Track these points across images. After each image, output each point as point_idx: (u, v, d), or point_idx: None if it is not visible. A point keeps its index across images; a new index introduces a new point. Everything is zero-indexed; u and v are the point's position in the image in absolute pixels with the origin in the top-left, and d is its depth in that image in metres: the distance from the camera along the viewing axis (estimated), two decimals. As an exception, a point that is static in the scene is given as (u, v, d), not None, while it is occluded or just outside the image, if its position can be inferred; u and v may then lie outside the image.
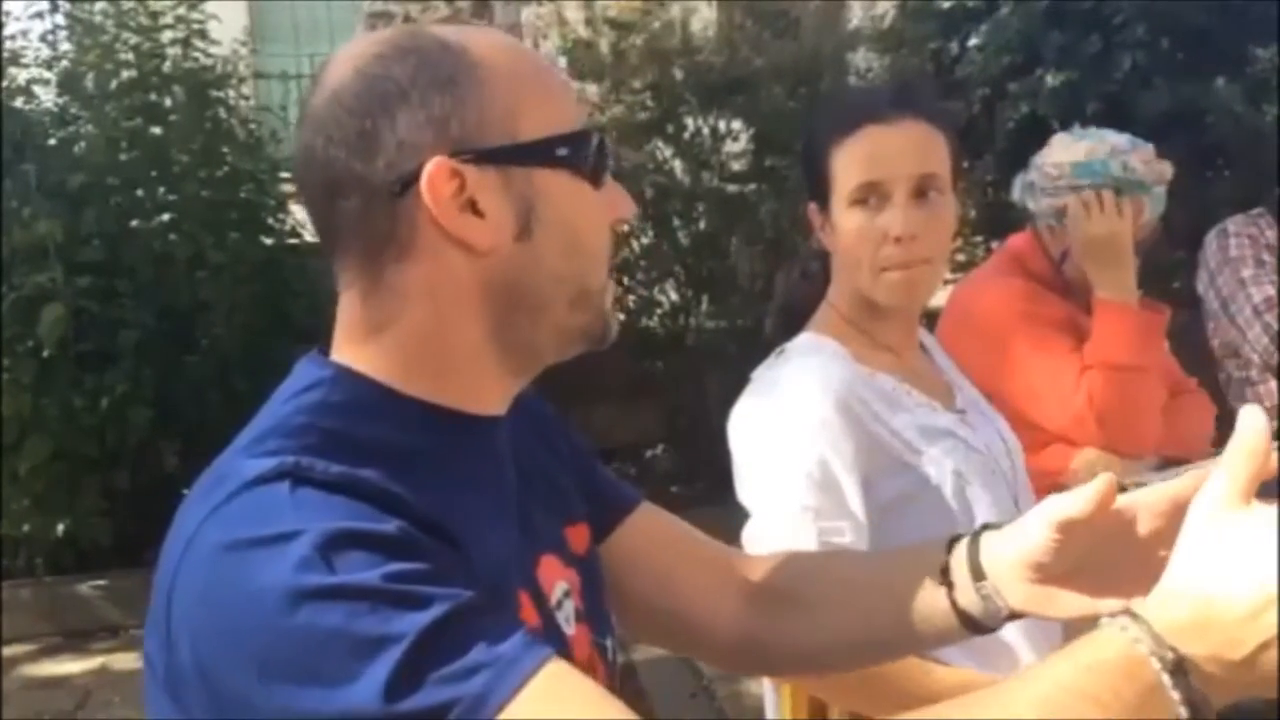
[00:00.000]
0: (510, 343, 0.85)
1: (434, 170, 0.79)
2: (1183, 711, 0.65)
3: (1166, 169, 2.05)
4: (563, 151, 0.84)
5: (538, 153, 0.83)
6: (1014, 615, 0.92)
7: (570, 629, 0.90)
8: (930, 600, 0.95)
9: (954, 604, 0.94)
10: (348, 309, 0.85)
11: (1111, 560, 0.86)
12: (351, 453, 0.77)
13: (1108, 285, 1.98)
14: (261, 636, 0.69)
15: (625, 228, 0.94)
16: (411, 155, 0.80)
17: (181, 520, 0.78)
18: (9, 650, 3.93)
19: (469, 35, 0.84)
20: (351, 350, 0.85)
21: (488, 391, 0.87)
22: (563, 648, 0.86)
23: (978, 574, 0.92)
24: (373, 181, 0.80)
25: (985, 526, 0.95)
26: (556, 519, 0.95)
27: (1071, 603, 0.88)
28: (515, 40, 0.89)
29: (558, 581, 0.90)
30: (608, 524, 1.03)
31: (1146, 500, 0.88)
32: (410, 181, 0.80)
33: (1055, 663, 0.69)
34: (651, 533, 1.06)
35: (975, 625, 0.94)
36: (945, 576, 0.94)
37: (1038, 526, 0.88)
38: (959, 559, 0.94)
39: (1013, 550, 0.90)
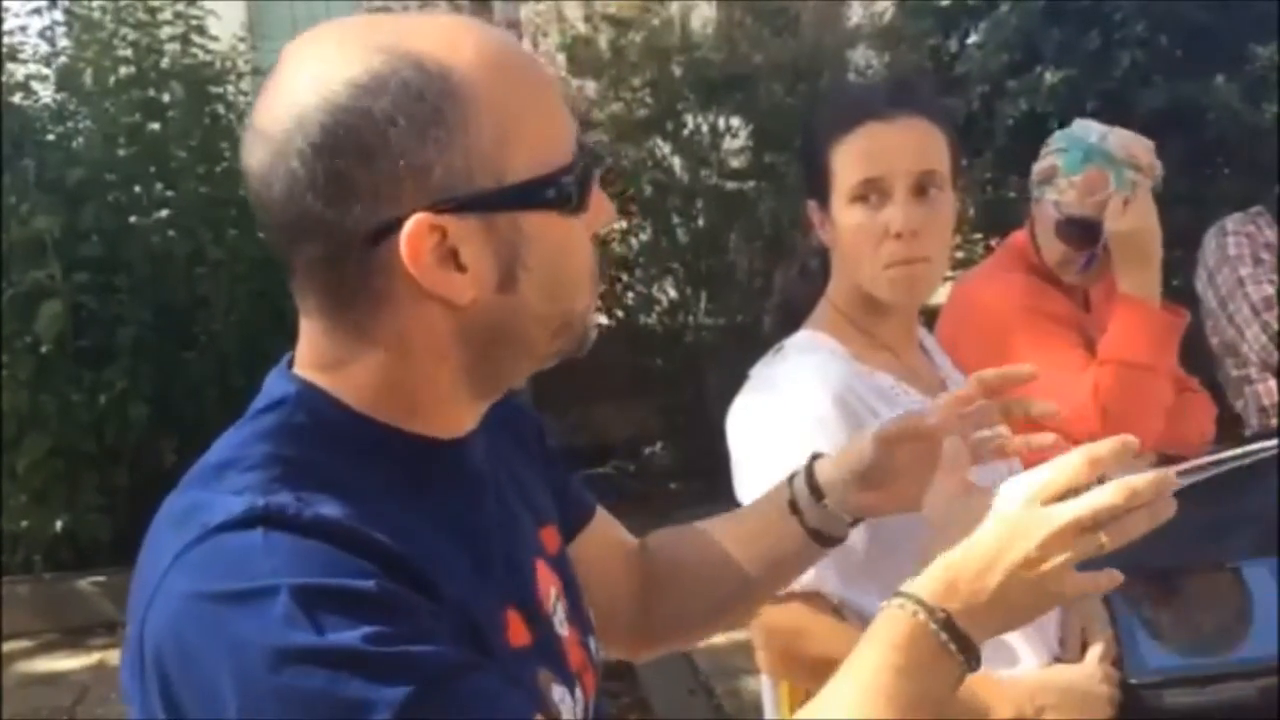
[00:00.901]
0: (484, 375, 0.81)
1: (414, 227, 0.72)
2: (954, 648, 0.80)
3: (1146, 155, 2.07)
4: (550, 192, 0.77)
5: (525, 196, 0.76)
6: (855, 522, 1.08)
7: (565, 631, 0.89)
8: (781, 531, 1.07)
9: (804, 526, 1.06)
10: (309, 335, 0.80)
11: (914, 472, 1.01)
12: (318, 484, 0.74)
13: (1133, 282, 1.97)
14: (242, 694, 0.67)
15: (609, 229, 0.90)
16: (389, 205, 0.73)
17: (150, 552, 0.75)
18: (7, 646, 3.93)
19: (454, 46, 0.75)
20: (315, 372, 0.80)
21: (458, 418, 0.83)
22: (558, 653, 0.86)
23: (818, 495, 1.05)
24: (344, 229, 0.73)
25: (814, 456, 1.08)
26: (533, 523, 0.93)
27: (889, 505, 1.05)
28: (505, 45, 0.79)
29: (550, 586, 0.89)
30: (574, 528, 1.04)
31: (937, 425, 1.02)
32: (385, 232, 0.73)
33: (865, 649, 0.81)
34: (600, 540, 1.08)
35: (824, 539, 1.07)
36: (794, 507, 1.06)
37: (869, 446, 1.03)
38: (799, 489, 1.06)
39: (845, 469, 1.05)
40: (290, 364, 0.83)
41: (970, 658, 0.80)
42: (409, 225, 0.73)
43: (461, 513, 0.83)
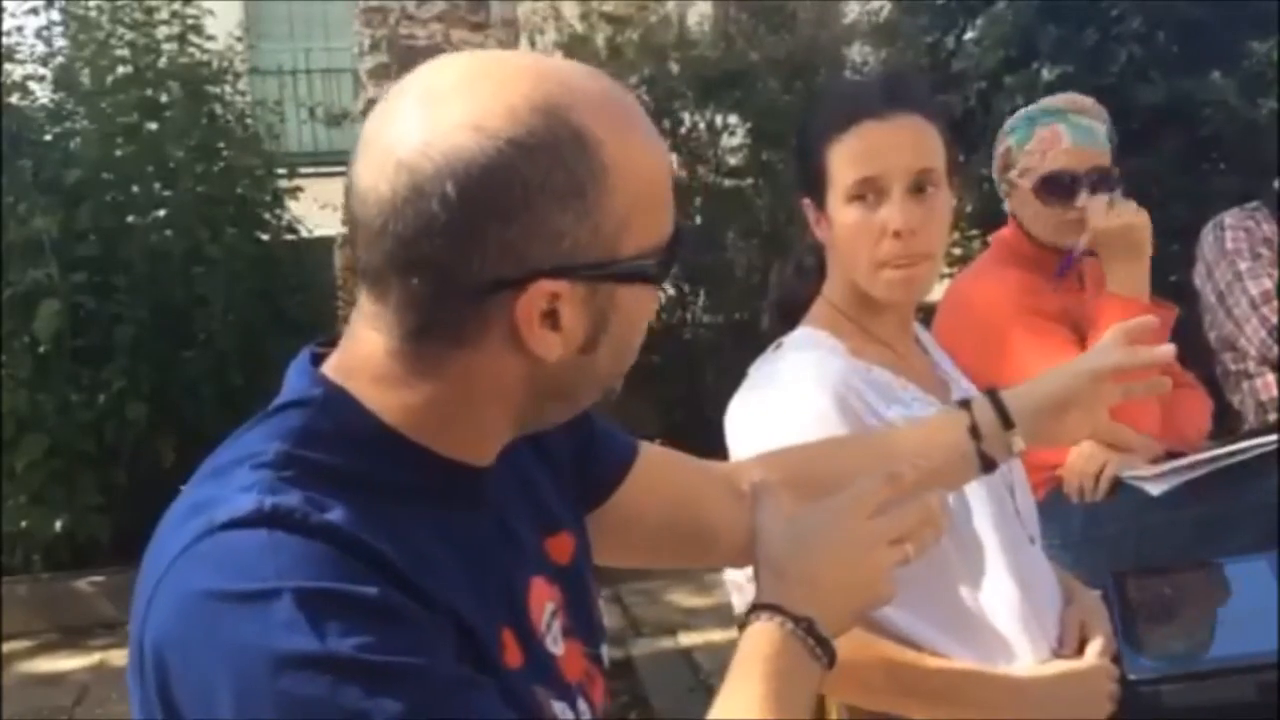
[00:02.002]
0: (532, 420, 0.84)
1: (535, 290, 0.74)
2: (818, 650, 0.86)
3: (1085, 100, 2.16)
4: (651, 270, 0.80)
5: (631, 271, 0.79)
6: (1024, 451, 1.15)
7: (559, 649, 0.88)
8: (951, 452, 1.13)
9: (979, 451, 1.13)
10: (365, 346, 0.79)
11: (1096, 407, 1.16)
12: (329, 488, 0.74)
13: (1120, 279, 1.99)
14: (238, 696, 0.68)
15: None
16: (513, 264, 0.73)
17: (157, 546, 0.76)
18: (7, 646, 3.93)
19: (606, 116, 0.76)
20: (356, 380, 0.80)
21: (488, 449, 0.84)
22: (551, 674, 0.86)
23: (1008, 423, 1.13)
24: (458, 277, 0.73)
25: (990, 391, 1.15)
26: (536, 535, 0.92)
27: (1074, 433, 1.17)
28: (648, 124, 0.81)
29: (546, 603, 0.89)
30: (615, 479, 1.04)
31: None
32: (500, 288, 0.74)
33: (740, 666, 0.85)
34: (659, 467, 1.08)
35: (989, 465, 1.15)
36: (975, 432, 1.13)
37: (1084, 378, 1.14)
38: (984, 416, 1.13)
39: (1046, 399, 1.14)
40: (315, 360, 0.83)
41: (830, 658, 0.87)
42: (532, 289, 0.75)
43: (469, 533, 0.83)
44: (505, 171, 0.72)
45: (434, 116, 0.73)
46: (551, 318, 0.76)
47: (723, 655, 1.04)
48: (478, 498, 0.84)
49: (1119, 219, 1.98)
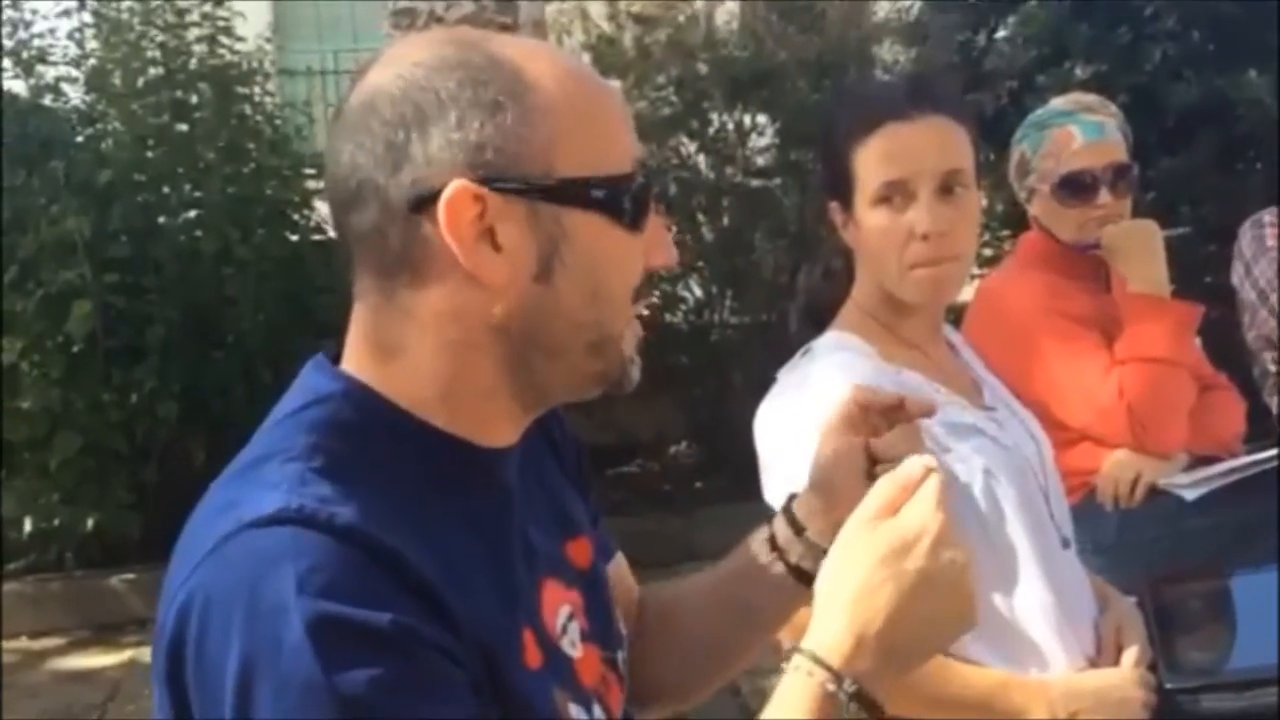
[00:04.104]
0: (524, 381, 0.82)
1: (454, 193, 0.75)
2: (863, 715, 0.78)
3: (1092, 98, 2.13)
4: (599, 194, 0.79)
5: (571, 192, 0.78)
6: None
7: (576, 652, 0.87)
8: (765, 572, 1.01)
9: (785, 563, 1.00)
10: (361, 322, 0.82)
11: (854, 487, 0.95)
12: (356, 480, 0.75)
13: (1140, 279, 1.98)
14: (241, 708, 0.68)
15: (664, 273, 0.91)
16: (436, 174, 0.76)
17: (186, 544, 0.76)
18: (40, 644, 3.97)
19: (527, 53, 0.79)
20: (364, 366, 0.82)
21: (500, 425, 0.84)
22: (568, 676, 0.85)
23: (798, 528, 1.00)
24: (391, 195, 0.76)
25: (793, 495, 1.04)
26: (556, 538, 0.92)
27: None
28: (580, 65, 0.83)
29: (561, 606, 0.88)
30: None
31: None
32: (429, 200, 0.76)
33: (776, 715, 0.78)
34: (622, 578, 1.05)
35: (808, 578, 0.98)
36: (774, 544, 1.01)
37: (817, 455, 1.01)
38: (779, 524, 1.02)
39: (810, 493, 1.01)
40: (333, 360, 0.84)
41: (876, 715, 0.78)
42: (449, 189, 0.75)
43: (496, 527, 0.83)
44: (418, 89, 0.77)
45: (368, 77, 0.80)
46: (490, 236, 0.77)
47: (753, 657, 1.03)
48: (497, 482, 0.84)
49: (1122, 223, 2.00)
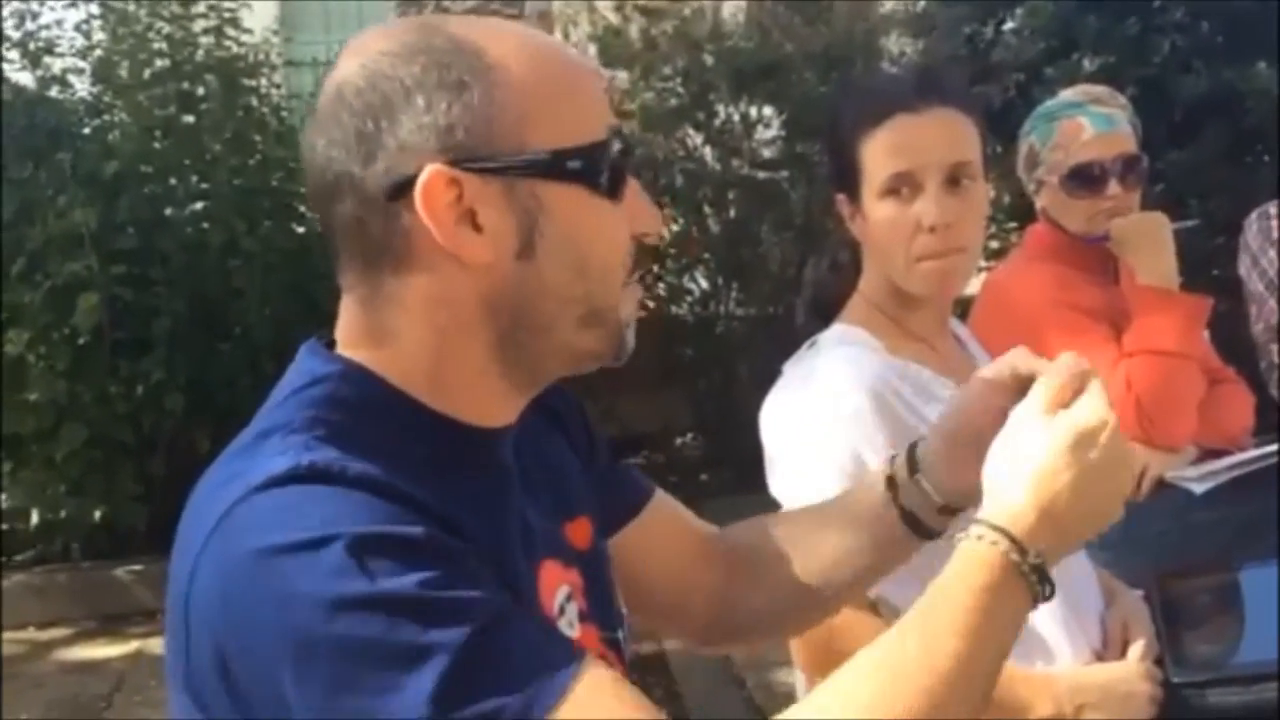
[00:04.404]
0: (515, 360, 0.82)
1: (430, 178, 0.75)
2: (1039, 588, 0.79)
3: (1101, 90, 2.12)
4: (574, 165, 0.78)
5: (546, 165, 0.78)
6: (946, 509, 0.99)
7: (574, 632, 0.87)
8: (877, 515, 1.01)
9: (899, 507, 1.00)
10: (349, 313, 0.83)
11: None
12: (359, 450, 0.75)
13: (1148, 272, 1.97)
14: (298, 644, 0.68)
15: (653, 240, 0.89)
16: (409, 161, 0.76)
17: (191, 522, 0.76)
18: (47, 634, 3.98)
19: (489, 32, 0.79)
20: (357, 351, 0.82)
21: (494, 406, 0.84)
22: None
23: (914, 468, 1.00)
24: (368, 186, 0.77)
25: (919, 439, 1.02)
26: (555, 519, 0.92)
27: (966, 479, 0.95)
28: (544, 39, 0.83)
29: (559, 586, 0.88)
30: (622, 516, 1.02)
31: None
32: (405, 188, 0.76)
33: (949, 589, 0.78)
34: (661, 527, 1.06)
35: (919, 526, 1.00)
36: (890, 483, 1.01)
37: (952, 408, 1.00)
38: (899, 463, 1.01)
39: (936, 436, 1.00)
40: (327, 346, 0.84)
41: (1049, 596, 0.80)
42: (425, 173, 0.75)
43: (493, 506, 0.84)
44: (383, 78, 0.77)
45: (335, 68, 0.81)
46: (470, 217, 0.77)
47: (756, 650, 1.02)
48: (494, 462, 0.85)
49: (1131, 215, 1.99)
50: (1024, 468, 0.81)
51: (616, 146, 0.81)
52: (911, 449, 1.01)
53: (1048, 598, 0.79)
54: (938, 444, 1.00)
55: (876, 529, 1.01)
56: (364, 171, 0.77)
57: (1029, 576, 0.78)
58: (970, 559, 0.78)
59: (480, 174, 0.76)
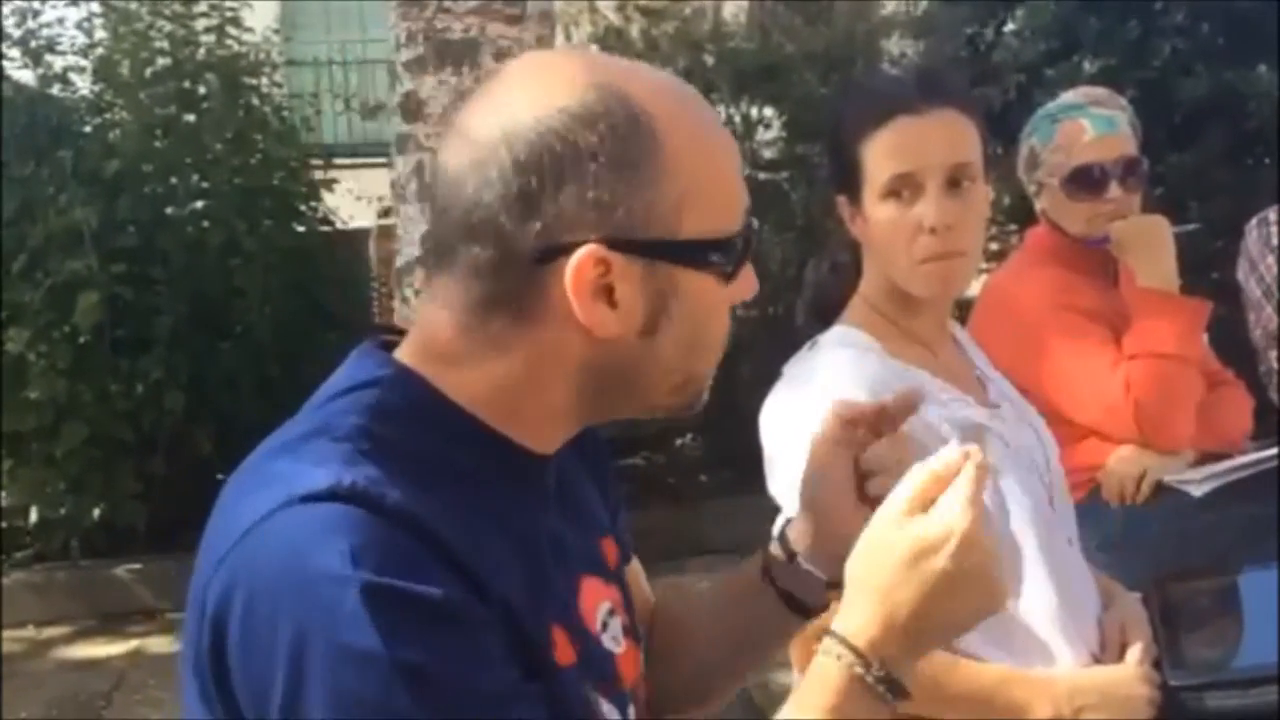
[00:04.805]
0: (596, 406, 0.84)
1: (585, 256, 0.75)
2: (888, 695, 0.79)
3: (1102, 92, 2.13)
4: (715, 257, 0.80)
5: (691, 254, 0.79)
6: (831, 585, 0.96)
7: (619, 647, 0.88)
8: (758, 600, 0.99)
9: (777, 590, 0.98)
10: (435, 328, 0.82)
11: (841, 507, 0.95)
12: (401, 464, 0.76)
13: (1148, 274, 1.97)
14: (294, 681, 0.69)
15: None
16: (567, 230, 0.76)
17: (227, 514, 0.77)
18: (46, 633, 3.98)
19: (665, 102, 0.79)
20: (421, 361, 0.82)
21: (554, 435, 0.85)
22: (609, 669, 0.86)
23: (789, 553, 0.98)
24: (517, 243, 0.76)
25: (787, 520, 1.01)
26: (593, 536, 0.93)
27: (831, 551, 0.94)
28: (709, 115, 0.84)
29: (601, 602, 0.89)
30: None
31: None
32: (556, 254, 0.76)
33: (804, 702, 0.79)
34: (634, 588, 1.04)
35: (798, 605, 0.99)
36: (766, 569, 0.99)
37: (814, 469, 0.97)
38: (774, 547, 1.00)
39: (805, 516, 0.98)
40: (380, 346, 0.85)
41: (901, 698, 0.80)
42: (580, 253, 0.76)
43: (527, 526, 0.84)
44: (558, 139, 0.76)
45: (501, 97, 0.79)
46: (607, 293, 0.77)
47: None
48: (539, 485, 0.85)
49: (1131, 218, 2.00)
50: (869, 580, 0.80)
51: (747, 234, 0.83)
52: (782, 533, 1.00)
53: (906, 698, 0.80)
54: (801, 521, 0.98)
55: (760, 611, 1.00)
56: (515, 228, 0.76)
57: (876, 688, 0.79)
58: (822, 673, 0.80)
59: (628, 254, 0.77)
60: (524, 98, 0.78)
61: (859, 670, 0.79)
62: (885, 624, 0.79)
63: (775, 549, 1.00)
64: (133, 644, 3.82)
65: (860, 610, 0.80)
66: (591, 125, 0.76)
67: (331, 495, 0.72)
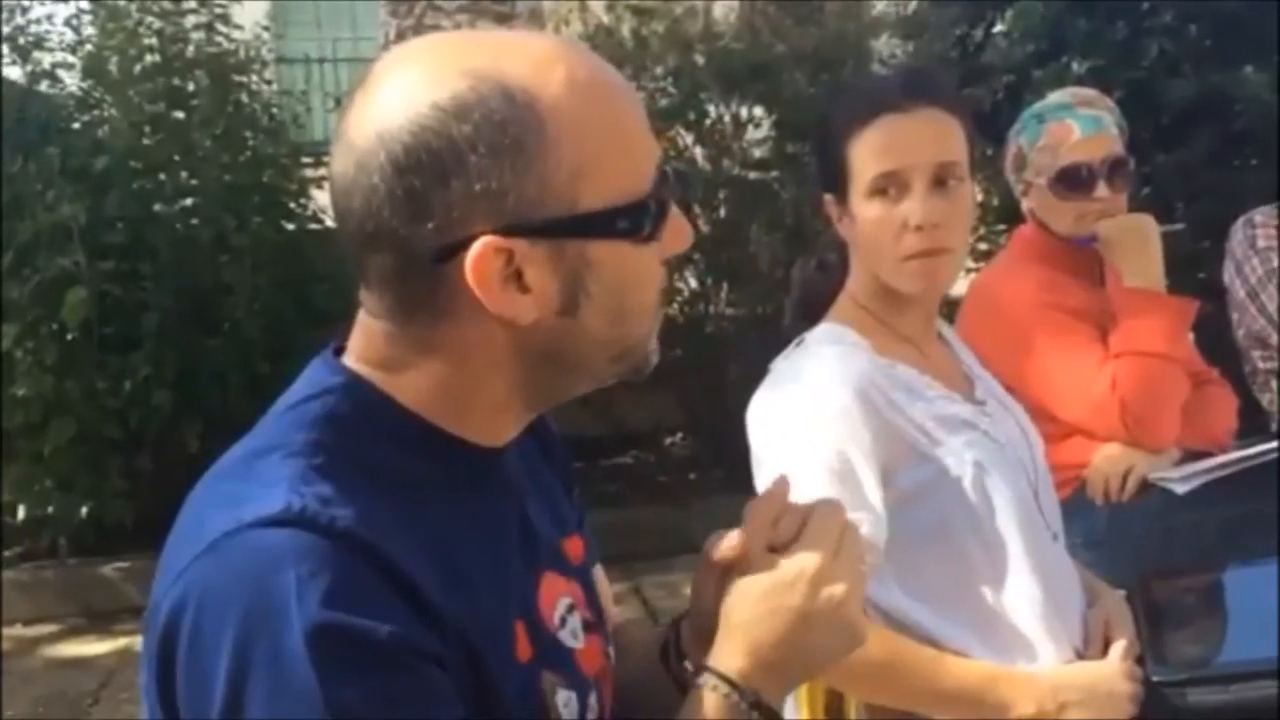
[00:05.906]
0: (537, 390, 0.83)
1: (481, 249, 0.74)
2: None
3: (1090, 93, 2.14)
4: (624, 223, 0.77)
5: (595, 225, 0.77)
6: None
7: (579, 642, 0.88)
8: (658, 673, 0.98)
9: (670, 672, 0.97)
10: (369, 337, 0.82)
11: None
12: (354, 477, 0.75)
13: (1135, 274, 1.98)
14: (230, 708, 0.69)
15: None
16: (460, 226, 0.74)
17: (181, 537, 0.77)
18: (34, 630, 3.97)
19: (544, 72, 0.75)
20: (368, 368, 0.81)
21: (504, 427, 0.85)
22: (568, 665, 0.86)
23: (680, 653, 0.97)
24: (414, 245, 0.75)
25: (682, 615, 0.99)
26: (555, 532, 0.92)
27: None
28: (596, 72, 0.79)
29: (560, 597, 0.88)
30: None
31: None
32: (454, 251, 0.75)
33: None
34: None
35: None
36: (663, 653, 0.98)
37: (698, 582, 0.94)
38: (670, 637, 0.98)
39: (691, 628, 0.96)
40: (337, 352, 0.84)
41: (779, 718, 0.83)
42: (476, 247, 0.74)
43: (489, 523, 0.84)
44: (434, 135, 0.73)
45: (374, 99, 0.76)
46: (517, 279, 0.76)
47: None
48: (495, 479, 0.85)
49: (1117, 217, 2.00)
50: (732, 615, 0.83)
51: (660, 191, 0.80)
52: (676, 628, 0.98)
53: None
54: (687, 630, 0.96)
55: (660, 685, 0.98)
56: (409, 230, 0.75)
57: (751, 714, 0.81)
58: (700, 703, 0.81)
59: (529, 238, 0.75)
60: (395, 97, 0.75)
61: (734, 698, 0.81)
62: (751, 656, 0.81)
63: (671, 639, 0.98)
64: (121, 642, 3.81)
65: (728, 644, 0.83)
66: (465, 116, 0.73)
67: (282, 520, 0.72)
